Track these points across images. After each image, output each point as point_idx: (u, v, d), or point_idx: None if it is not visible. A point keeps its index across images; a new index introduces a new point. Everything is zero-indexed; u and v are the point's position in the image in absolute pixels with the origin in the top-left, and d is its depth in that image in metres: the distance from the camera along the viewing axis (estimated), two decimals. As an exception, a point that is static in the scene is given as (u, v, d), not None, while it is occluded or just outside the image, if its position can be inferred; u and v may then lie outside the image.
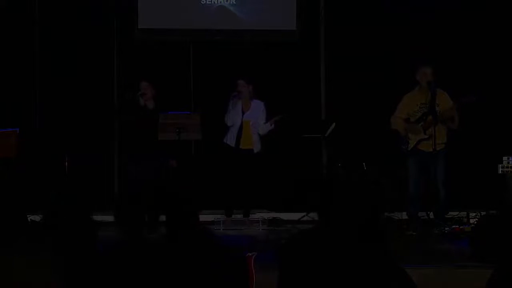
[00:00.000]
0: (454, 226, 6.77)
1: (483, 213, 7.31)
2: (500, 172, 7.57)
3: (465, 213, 7.54)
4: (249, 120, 7.67)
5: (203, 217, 8.45)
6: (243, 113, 7.62)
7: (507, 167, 7.54)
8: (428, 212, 7.37)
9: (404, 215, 8.03)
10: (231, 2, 8.55)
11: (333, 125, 8.12)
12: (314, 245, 2.83)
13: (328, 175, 8.09)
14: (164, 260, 2.50)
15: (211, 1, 8.53)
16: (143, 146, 7.34)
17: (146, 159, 7.36)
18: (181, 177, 7.45)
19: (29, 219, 7.30)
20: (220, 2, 8.54)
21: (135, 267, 2.49)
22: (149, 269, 2.47)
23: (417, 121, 7.08)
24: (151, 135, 7.20)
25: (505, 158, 7.58)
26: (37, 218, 7.71)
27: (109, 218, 3.18)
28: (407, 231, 7.04)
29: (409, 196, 7.16)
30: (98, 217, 3.20)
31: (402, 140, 7.17)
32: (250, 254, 4.52)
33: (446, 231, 6.74)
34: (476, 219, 6.96)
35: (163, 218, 2.87)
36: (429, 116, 7.02)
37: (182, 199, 2.99)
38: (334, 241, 2.68)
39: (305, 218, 7.56)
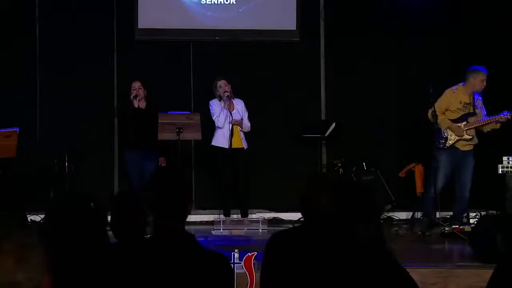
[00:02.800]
0: (454, 226, 6.76)
1: (483, 213, 7.34)
2: (500, 172, 7.57)
3: (465, 213, 7.55)
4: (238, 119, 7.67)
5: (203, 217, 8.51)
6: (230, 113, 7.58)
7: (507, 167, 7.55)
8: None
9: (403, 215, 8.06)
10: (231, 2, 8.55)
11: (333, 125, 8.13)
12: (307, 243, 2.85)
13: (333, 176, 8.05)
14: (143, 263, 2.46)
15: (211, 1, 8.53)
16: (140, 146, 7.37)
17: (145, 159, 7.39)
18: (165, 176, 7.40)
19: (29, 219, 7.33)
20: (220, 2, 8.54)
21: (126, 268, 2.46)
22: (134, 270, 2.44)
23: (457, 120, 7.10)
24: (148, 135, 7.23)
25: (505, 158, 7.59)
26: (37, 218, 7.74)
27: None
28: (415, 231, 7.02)
29: (432, 192, 7.10)
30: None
31: (440, 135, 7.13)
32: (250, 254, 4.53)
33: (446, 231, 6.74)
34: (476, 219, 6.97)
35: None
36: (470, 117, 7.07)
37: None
38: (336, 241, 2.69)
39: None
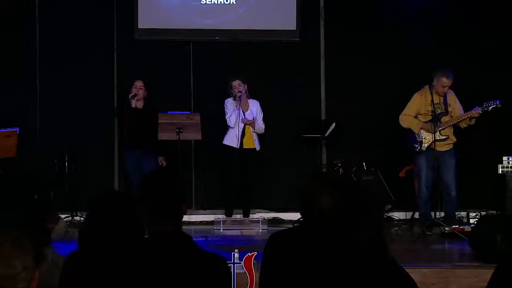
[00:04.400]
0: (454, 226, 6.76)
1: (483, 213, 7.34)
2: (500, 172, 7.57)
3: (465, 213, 7.56)
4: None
5: (203, 217, 8.51)
6: (243, 113, 7.60)
7: (507, 167, 7.55)
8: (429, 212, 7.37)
9: (403, 215, 8.06)
10: (231, 2, 8.55)
11: (333, 125, 8.13)
12: (306, 243, 2.85)
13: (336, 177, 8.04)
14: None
15: (211, 1, 8.52)
16: (137, 146, 7.38)
17: (142, 157, 7.40)
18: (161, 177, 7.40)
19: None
20: (220, 1, 8.54)
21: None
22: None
23: (430, 121, 7.10)
24: (143, 135, 7.24)
25: (505, 158, 7.59)
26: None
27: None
28: (415, 231, 7.03)
29: (422, 196, 7.15)
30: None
31: (415, 139, 7.15)
32: (250, 254, 4.53)
33: (446, 231, 6.74)
34: (476, 219, 6.97)
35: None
36: (443, 116, 7.08)
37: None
38: (336, 241, 2.69)
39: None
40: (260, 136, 7.80)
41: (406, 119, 7.23)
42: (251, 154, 7.63)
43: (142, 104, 7.57)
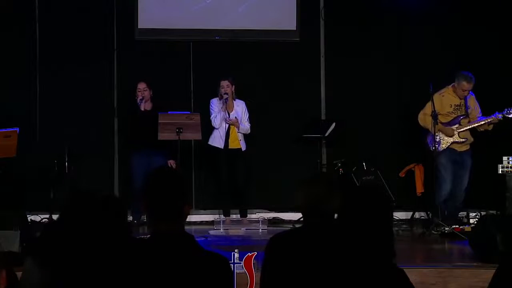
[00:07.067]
0: (454, 226, 6.76)
1: (483, 213, 7.33)
2: (500, 172, 7.57)
3: (465, 213, 7.55)
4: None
5: (203, 217, 8.50)
6: (228, 114, 7.59)
7: (507, 167, 7.55)
8: (428, 212, 7.37)
9: (403, 215, 8.06)
10: (231, 2, 8.54)
11: (333, 125, 8.13)
12: (306, 243, 2.85)
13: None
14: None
15: (211, 1, 8.52)
16: (147, 146, 7.36)
17: (152, 155, 7.39)
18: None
19: (29, 219, 7.30)
20: (220, 1, 8.53)
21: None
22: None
23: (450, 123, 7.10)
24: (153, 135, 7.23)
25: (505, 158, 7.59)
26: (37, 218, 7.74)
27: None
28: (415, 231, 7.05)
29: (442, 198, 7.14)
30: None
31: (433, 139, 7.13)
32: (250, 254, 4.53)
33: (446, 231, 6.74)
34: (476, 219, 6.97)
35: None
36: (463, 119, 7.08)
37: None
38: (335, 240, 2.69)
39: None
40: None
41: (425, 119, 7.19)
42: (237, 154, 7.64)
43: (151, 105, 7.60)
